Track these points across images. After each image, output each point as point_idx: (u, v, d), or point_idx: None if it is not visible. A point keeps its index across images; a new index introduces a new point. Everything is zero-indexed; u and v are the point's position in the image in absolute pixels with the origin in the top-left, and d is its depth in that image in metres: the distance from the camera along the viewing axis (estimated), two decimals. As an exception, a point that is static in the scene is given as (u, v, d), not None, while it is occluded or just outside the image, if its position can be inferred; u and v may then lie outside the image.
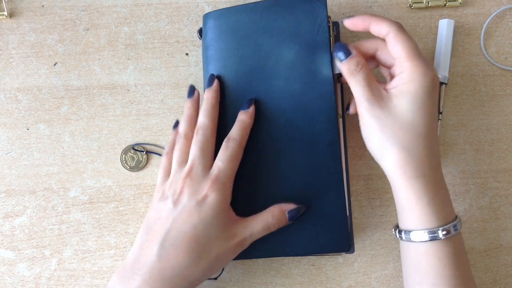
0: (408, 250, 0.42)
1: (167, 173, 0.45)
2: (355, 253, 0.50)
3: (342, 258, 0.50)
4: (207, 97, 0.45)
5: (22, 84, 0.51)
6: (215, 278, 0.49)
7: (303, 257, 0.50)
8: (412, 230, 0.41)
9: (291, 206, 0.44)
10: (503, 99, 0.53)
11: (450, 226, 0.40)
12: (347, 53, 0.43)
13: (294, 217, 0.44)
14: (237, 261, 0.49)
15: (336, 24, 0.50)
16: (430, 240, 0.40)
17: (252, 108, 0.45)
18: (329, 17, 0.46)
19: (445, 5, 0.53)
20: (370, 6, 0.53)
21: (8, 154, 0.50)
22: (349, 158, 0.50)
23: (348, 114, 0.46)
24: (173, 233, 0.40)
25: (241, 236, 0.42)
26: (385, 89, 0.42)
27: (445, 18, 0.52)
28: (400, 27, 0.42)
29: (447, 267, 0.40)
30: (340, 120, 0.47)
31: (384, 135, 0.40)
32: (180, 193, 0.42)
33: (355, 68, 0.42)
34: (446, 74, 0.51)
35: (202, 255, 0.40)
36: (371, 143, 0.42)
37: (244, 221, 0.43)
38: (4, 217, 0.49)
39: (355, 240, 0.50)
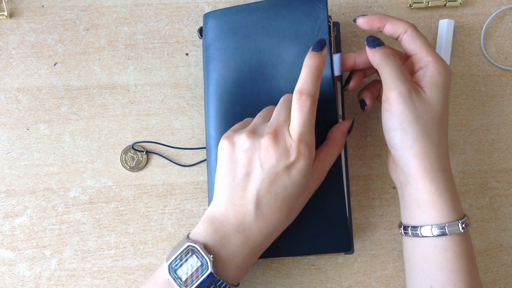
0: (422, 246, 0.42)
1: (242, 125, 0.44)
2: (355, 253, 0.50)
3: (342, 258, 0.50)
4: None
5: (22, 84, 0.51)
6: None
7: (303, 257, 0.50)
8: (431, 225, 0.40)
9: (347, 124, 0.45)
10: (503, 99, 0.53)
11: (466, 220, 0.41)
12: (380, 43, 0.42)
13: (351, 131, 0.46)
14: (237, 261, 0.49)
15: (337, 24, 0.50)
16: (448, 234, 0.40)
17: (325, 51, 0.41)
18: (329, 17, 0.46)
19: (445, 5, 0.53)
20: (370, 6, 0.53)
21: (8, 154, 0.50)
22: (349, 158, 0.50)
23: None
24: (264, 193, 0.40)
25: (318, 182, 0.44)
26: (417, 81, 0.42)
27: (445, 18, 0.52)
28: (416, 27, 0.43)
29: (462, 261, 0.40)
30: (340, 120, 0.47)
31: (417, 125, 0.40)
32: (267, 151, 0.39)
33: (391, 53, 0.42)
34: None
35: (293, 211, 0.42)
36: (399, 134, 0.41)
37: (317, 162, 0.43)
38: (4, 217, 0.49)
39: (355, 240, 0.50)
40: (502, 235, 0.51)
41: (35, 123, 0.51)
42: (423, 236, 0.41)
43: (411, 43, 0.42)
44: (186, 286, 0.38)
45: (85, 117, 0.51)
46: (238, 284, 0.42)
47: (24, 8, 0.52)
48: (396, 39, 0.44)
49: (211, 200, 0.46)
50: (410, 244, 0.43)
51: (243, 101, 0.46)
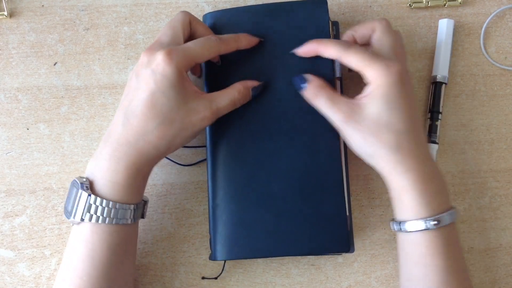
0: (402, 241, 0.43)
1: None
2: (355, 253, 0.50)
3: (342, 258, 0.50)
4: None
5: (22, 84, 0.51)
6: (215, 278, 0.49)
7: (303, 257, 0.50)
8: (405, 221, 0.42)
9: (255, 83, 0.45)
10: (503, 99, 0.53)
11: (440, 217, 0.41)
12: (304, 81, 0.44)
13: (257, 93, 0.45)
14: (237, 261, 0.49)
15: (336, 24, 0.50)
16: (420, 230, 0.41)
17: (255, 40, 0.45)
18: (329, 19, 0.46)
19: (445, 5, 0.53)
20: (370, 6, 0.53)
21: (8, 154, 0.50)
22: (349, 158, 0.50)
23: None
24: (135, 102, 0.41)
25: (206, 110, 0.42)
26: (358, 99, 0.42)
27: (445, 18, 0.52)
28: (346, 45, 0.42)
29: (436, 257, 0.41)
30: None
31: (368, 143, 0.41)
32: (140, 64, 0.41)
33: (314, 93, 0.43)
34: (446, 74, 0.51)
35: (164, 123, 0.40)
36: (359, 153, 0.43)
37: (209, 96, 0.43)
38: (4, 216, 0.49)
39: (355, 240, 0.50)
40: (502, 235, 0.51)
41: (35, 122, 0.51)
42: (401, 232, 0.43)
43: (349, 65, 0.42)
44: (71, 214, 0.40)
45: (85, 117, 0.51)
46: (137, 205, 0.42)
47: (24, 8, 0.52)
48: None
49: (211, 200, 0.46)
50: (397, 238, 0.45)
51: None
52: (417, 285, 0.41)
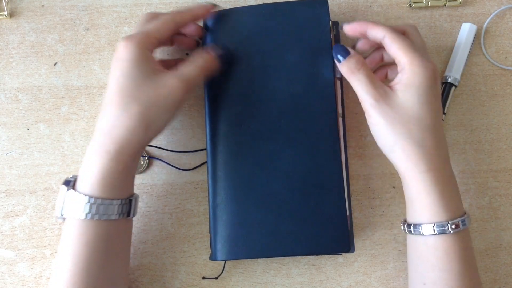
0: (416, 244, 0.42)
1: None
2: (355, 252, 0.50)
3: (342, 258, 0.50)
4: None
5: (22, 84, 0.51)
6: (216, 278, 0.49)
7: (303, 257, 0.50)
8: (421, 224, 0.41)
9: (220, 51, 0.46)
10: (503, 99, 0.53)
11: (459, 221, 0.40)
12: (346, 53, 0.43)
13: (225, 61, 0.45)
14: (237, 261, 0.49)
15: (336, 24, 0.50)
16: (438, 234, 0.40)
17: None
18: (329, 19, 0.46)
19: (445, 5, 0.53)
20: (370, 6, 0.53)
21: (8, 154, 0.50)
22: (349, 158, 0.50)
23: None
24: (105, 94, 0.41)
25: (173, 80, 0.41)
26: (389, 87, 0.42)
27: (445, 17, 0.53)
28: (394, 30, 0.43)
29: (453, 261, 0.40)
30: (340, 120, 0.47)
31: (394, 130, 0.41)
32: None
33: (355, 66, 0.43)
34: (458, 77, 0.51)
35: (132, 102, 0.40)
36: (381, 139, 0.42)
37: (175, 68, 0.43)
38: (4, 217, 0.49)
39: (355, 240, 0.50)
40: (502, 234, 0.51)
41: (35, 122, 0.51)
42: (415, 234, 0.42)
43: (389, 47, 0.43)
44: (60, 213, 0.41)
45: (85, 117, 0.51)
46: (125, 200, 0.41)
47: (24, 8, 0.52)
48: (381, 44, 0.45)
49: (211, 200, 0.46)
50: (408, 240, 0.44)
51: (244, 101, 0.46)
52: None
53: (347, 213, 0.46)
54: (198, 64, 0.44)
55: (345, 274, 0.50)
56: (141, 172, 0.50)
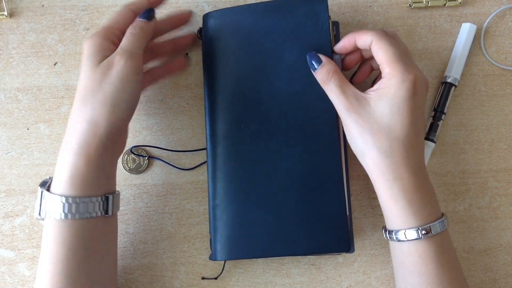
0: (394, 250, 0.43)
1: None
2: (355, 252, 0.50)
3: (342, 258, 0.50)
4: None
5: (22, 84, 0.51)
6: (216, 278, 0.49)
7: (303, 257, 0.50)
8: (394, 230, 0.42)
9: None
10: (503, 99, 0.53)
11: (429, 226, 0.40)
12: (318, 62, 0.44)
13: (149, 15, 0.45)
14: (237, 261, 0.49)
15: (336, 24, 0.50)
16: (411, 240, 0.41)
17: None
18: (329, 17, 0.46)
19: (445, 5, 0.53)
20: (370, 6, 0.53)
21: (8, 154, 0.50)
22: (349, 158, 0.50)
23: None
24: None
25: (116, 59, 0.41)
26: (365, 93, 0.42)
27: (446, 17, 0.53)
28: (382, 35, 0.43)
29: (429, 265, 0.41)
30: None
31: (363, 139, 0.41)
32: None
33: (326, 76, 0.43)
34: (458, 77, 0.51)
35: (87, 96, 0.41)
36: (353, 147, 0.43)
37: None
38: (4, 216, 0.49)
39: (355, 240, 0.50)
40: (502, 234, 0.51)
41: (35, 122, 0.51)
42: (392, 240, 0.43)
43: (375, 54, 0.43)
44: (38, 213, 0.41)
45: (85, 117, 0.51)
46: (101, 198, 0.41)
47: (24, 8, 0.52)
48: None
49: (211, 200, 0.46)
50: (390, 246, 0.44)
51: (243, 101, 0.46)
52: None
53: (347, 213, 0.46)
54: (132, 32, 0.43)
55: (345, 274, 0.50)
56: (141, 172, 0.50)
